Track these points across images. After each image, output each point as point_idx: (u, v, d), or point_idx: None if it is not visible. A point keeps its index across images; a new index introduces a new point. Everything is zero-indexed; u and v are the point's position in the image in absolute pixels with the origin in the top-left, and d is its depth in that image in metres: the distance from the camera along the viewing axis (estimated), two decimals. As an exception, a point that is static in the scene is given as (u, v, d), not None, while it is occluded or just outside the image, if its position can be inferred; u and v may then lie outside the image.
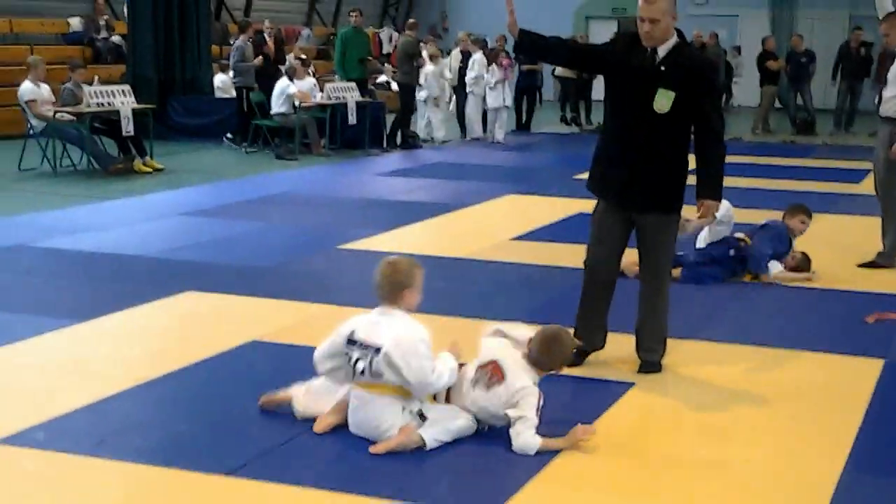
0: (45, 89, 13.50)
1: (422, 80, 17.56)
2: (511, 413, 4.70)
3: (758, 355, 6.13)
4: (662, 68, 5.36)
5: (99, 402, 5.22)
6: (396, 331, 4.66)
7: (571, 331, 5.34)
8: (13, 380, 5.62)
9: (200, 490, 4.28)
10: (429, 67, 17.65)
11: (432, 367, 4.66)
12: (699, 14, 26.25)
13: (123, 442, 4.75)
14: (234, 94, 17.16)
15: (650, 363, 5.71)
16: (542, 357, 4.82)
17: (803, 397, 5.47)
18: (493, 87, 17.97)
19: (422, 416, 4.70)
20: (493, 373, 4.80)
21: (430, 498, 4.18)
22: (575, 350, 5.12)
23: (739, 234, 8.04)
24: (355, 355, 4.73)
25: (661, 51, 5.38)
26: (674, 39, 5.41)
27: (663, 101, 5.31)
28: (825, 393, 5.55)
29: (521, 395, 4.71)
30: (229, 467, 4.43)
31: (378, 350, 4.64)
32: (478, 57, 18.29)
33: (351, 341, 4.76)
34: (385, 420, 4.71)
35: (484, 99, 18.34)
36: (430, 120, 18.18)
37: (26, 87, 13.31)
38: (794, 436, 4.96)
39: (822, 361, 6.06)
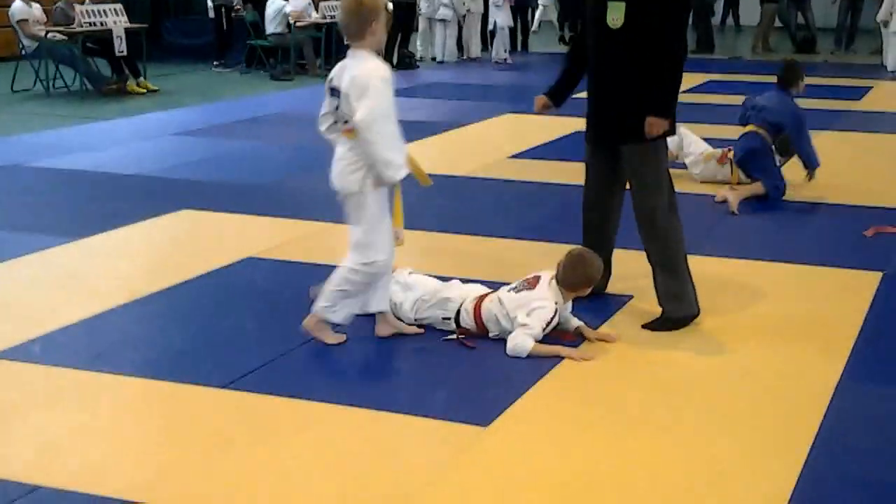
0: (36, 8, 13.34)
1: (445, 0, 17.27)
2: (519, 317, 4.76)
3: (756, 269, 6.11)
4: None
5: (95, 317, 5.21)
6: (355, 70, 4.59)
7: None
8: (9, 295, 5.61)
9: (197, 402, 4.29)
10: None
11: (383, 109, 4.57)
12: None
13: (120, 356, 4.76)
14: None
15: (657, 320, 5.15)
16: (568, 276, 4.86)
17: (801, 309, 5.46)
18: (500, 5, 17.70)
19: None
20: (530, 281, 4.90)
21: (427, 409, 4.18)
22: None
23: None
24: (335, 102, 4.72)
25: None
26: None
27: (615, 13, 4.96)
28: (823, 305, 5.55)
29: (537, 306, 4.77)
30: (225, 380, 4.44)
31: (337, 92, 4.66)
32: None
33: (331, 89, 4.74)
34: (338, 178, 4.73)
35: (484, 18, 18.08)
36: (441, 39, 17.85)
37: (17, 7, 13.15)
38: (791, 346, 4.96)
39: (820, 274, 6.05)
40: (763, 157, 7.78)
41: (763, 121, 7.78)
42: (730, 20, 24.66)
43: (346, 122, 4.68)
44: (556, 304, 4.85)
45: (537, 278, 4.92)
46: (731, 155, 8.03)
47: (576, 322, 5.01)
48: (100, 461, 3.79)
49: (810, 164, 7.80)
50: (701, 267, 5.44)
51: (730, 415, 4.25)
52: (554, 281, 4.89)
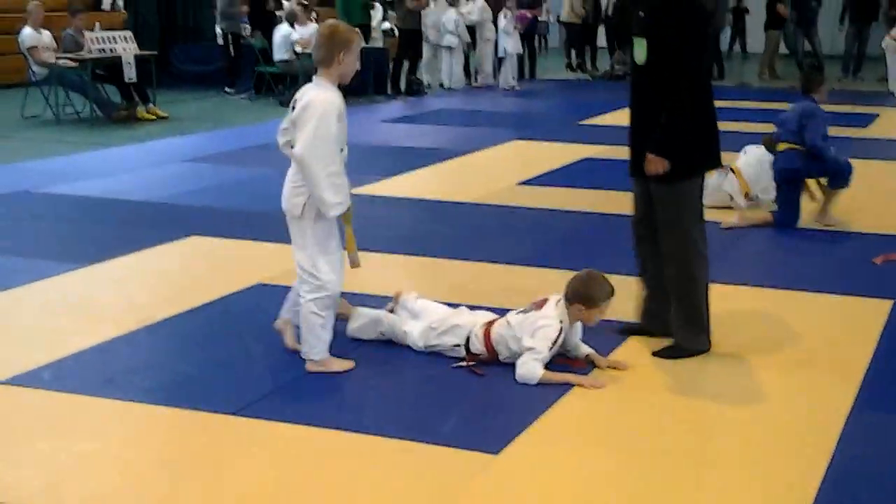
0: (46, 35, 13.39)
1: (451, 27, 17.34)
2: (525, 342, 4.76)
3: (765, 297, 6.10)
4: (641, 14, 5.03)
5: (105, 343, 5.22)
6: (309, 97, 4.65)
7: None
8: (20, 322, 5.62)
9: (207, 429, 4.28)
10: (451, 14, 17.42)
11: (323, 145, 4.60)
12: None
13: (130, 382, 4.75)
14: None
15: (667, 348, 5.13)
16: (580, 289, 4.85)
17: (811, 338, 5.44)
18: (510, 32, 17.76)
19: None
20: (538, 303, 4.91)
21: (437, 436, 4.17)
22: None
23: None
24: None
25: None
26: None
27: (638, 50, 4.96)
28: (833, 334, 5.53)
29: (542, 325, 4.78)
30: (236, 406, 4.43)
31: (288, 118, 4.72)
32: (479, 3, 18.08)
33: (293, 108, 4.77)
34: (286, 200, 4.84)
35: (495, 45, 18.15)
36: (447, 66, 17.91)
37: (27, 34, 13.21)
38: (803, 374, 4.94)
39: (830, 303, 6.03)
40: (793, 185, 7.74)
41: (787, 132, 7.74)
42: (736, 47, 24.72)
43: (293, 146, 4.73)
44: (561, 323, 4.83)
45: (545, 300, 4.93)
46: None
47: (586, 349, 5.00)
48: (109, 488, 3.78)
49: (822, 155, 7.66)
50: (711, 293, 5.43)
51: (742, 443, 4.23)
52: (562, 301, 4.89)
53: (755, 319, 5.72)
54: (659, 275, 5.21)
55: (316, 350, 4.87)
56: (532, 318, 4.84)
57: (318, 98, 4.65)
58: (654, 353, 5.10)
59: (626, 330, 5.36)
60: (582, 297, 4.86)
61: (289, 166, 4.86)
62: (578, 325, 4.99)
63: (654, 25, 4.91)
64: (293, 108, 4.74)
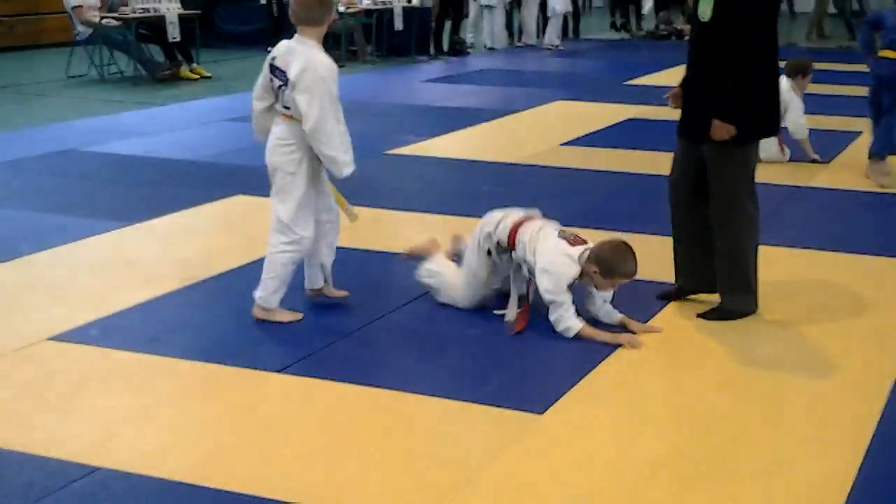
0: None
1: None
2: (546, 297, 4.78)
3: (816, 259, 6.05)
4: None
5: (151, 301, 5.26)
6: (305, 60, 4.67)
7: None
8: (67, 279, 5.67)
9: (252, 386, 4.31)
10: None
11: (329, 109, 4.68)
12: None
13: (175, 339, 4.80)
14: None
15: (713, 310, 5.11)
16: (605, 255, 4.78)
17: (861, 301, 5.39)
18: None
19: None
20: (576, 239, 4.88)
21: (481, 396, 4.18)
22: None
23: None
24: (277, 82, 4.80)
25: None
26: None
27: (704, 5, 4.83)
28: (878, 296, 5.47)
29: (559, 263, 4.76)
30: (280, 364, 4.46)
31: (286, 79, 4.72)
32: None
33: (272, 67, 4.79)
34: (273, 155, 4.85)
35: (541, 4, 18.00)
36: (489, 26, 17.81)
37: None
38: (849, 339, 4.89)
39: (882, 265, 5.96)
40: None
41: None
42: (784, 7, 24.36)
43: (286, 107, 4.78)
44: (578, 270, 4.78)
45: (581, 241, 4.87)
46: None
47: (619, 315, 4.97)
48: (157, 443, 3.83)
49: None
50: (760, 256, 5.39)
51: (786, 407, 4.21)
52: (587, 254, 4.81)
53: (804, 282, 5.67)
54: (695, 232, 5.14)
55: (273, 299, 4.94)
56: (555, 248, 4.81)
57: (317, 61, 4.70)
58: (700, 315, 5.07)
59: (664, 295, 5.31)
60: (603, 263, 4.77)
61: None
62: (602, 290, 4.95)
63: None
64: (276, 69, 4.75)
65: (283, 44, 4.85)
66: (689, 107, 5.06)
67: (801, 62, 8.47)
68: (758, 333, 4.94)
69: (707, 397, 4.25)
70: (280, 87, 4.79)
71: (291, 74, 4.69)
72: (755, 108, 4.90)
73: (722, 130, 4.82)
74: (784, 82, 8.13)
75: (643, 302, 5.20)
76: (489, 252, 5.05)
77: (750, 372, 4.53)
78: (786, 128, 8.14)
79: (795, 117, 8.27)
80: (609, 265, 4.78)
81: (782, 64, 5.40)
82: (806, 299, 5.40)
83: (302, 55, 4.71)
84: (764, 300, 5.13)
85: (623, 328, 4.91)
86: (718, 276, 5.10)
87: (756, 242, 5.10)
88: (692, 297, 5.28)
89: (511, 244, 4.96)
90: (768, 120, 5.07)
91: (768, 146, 7.97)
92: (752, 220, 5.06)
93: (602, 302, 4.98)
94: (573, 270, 4.79)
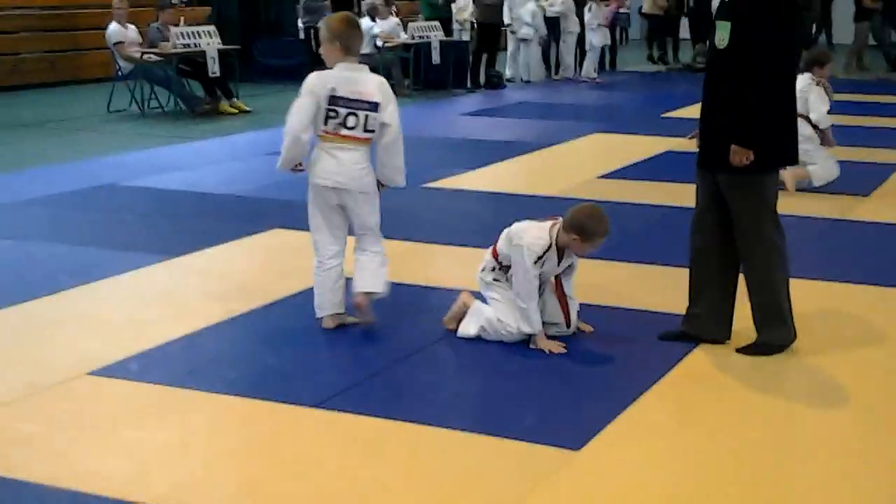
0: (132, 31, 13.62)
1: (528, 18, 17.28)
2: (514, 241, 5.07)
3: (845, 292, 5.99)
4: None
5: (189, 335, 5.29)
6: (376, 79, 5.16)
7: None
8: (107, 313, 5.72)
9: (288, 420, 4.32)
10: (529, 5, 17.37)
11: None
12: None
13: (213, 373, 4.82)
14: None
15: (752, 345, 5.02)
16: (580, 220, 4.96)
17: (889, 336, 5.34)
18: (594, 27, 17.70)
19: None
20: (543, 221, 5.12)
21: (516, 431, 4.16)
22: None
23: None
24: (343, 112, 5.09)
25: None
26: None
27: (721, 32, 4.78)
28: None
29: (533, 235, 5.02)
30: (316, 399, 4.46)
31: (374, 105, 5.08)
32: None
33: (335, 98, 5.06)
34: (360, 179, 5.20)
35: (580, 37, 18.06)
36: (524, 59, 17.87)
37: (113, 30, 13.45)
38: (887, 372, 4.84)
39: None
40: None
41: None
42: (822, 38, 24.24)
43: (370, 130, 5.12)
44: (551, 240, 4.98)
45: (552, 218, 5.09)
46: None
47: (575, 305, 5.22)
48: (190, 478, 3.83)
49: None
50: (798, 288, 5.34)
51: (825, 442, 4.16)
52: (559, 226, 5.01)
53: (835, 315, 5.61)
54: (719, 279, 5.06)
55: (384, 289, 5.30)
56: (526, 225, 5.07)
57: (378, 77, 5.19)
58: (738, 350, 5.02)
59: (665, 336, 5.17)
60: (580, 228, 4.95)
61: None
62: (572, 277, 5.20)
63: (740, 5, 4.78)
64: (341, 98, 5.06)
65: (332, 74, 5.12)
66: (705, 135, 5.02)
67: (813, 54, 8.60)
68: (796, 368, 4.89)
69: (749, 436, 4.20)
70: (349, 114, 5.09)
71: (377, 97, 5.07)
72: (772, 135, 4.83)
73: (739, 156, 4.76)
74: (800, 79, 8.12)
75: (676, 346, 5.15)
76: (495, 280, 5.22)
77: (786, 407, 4.49)
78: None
79: (817, 106, 8.34)
80: (588, 230, 4.95)
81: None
82: (843, 333, 5.35)
83: (368, 77, 5.12)
84: (802, 333, 5.08)
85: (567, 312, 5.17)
86: (753, 310, 5.04)
87: (786, 272, 5.02)
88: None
89: (495, 255, 5.19)
90: (786, 148, 4.99)
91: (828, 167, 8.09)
92: (779, 249, 4.97)
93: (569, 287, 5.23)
94: (543, 241, 4.97)
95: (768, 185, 4.97)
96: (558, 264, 5.07)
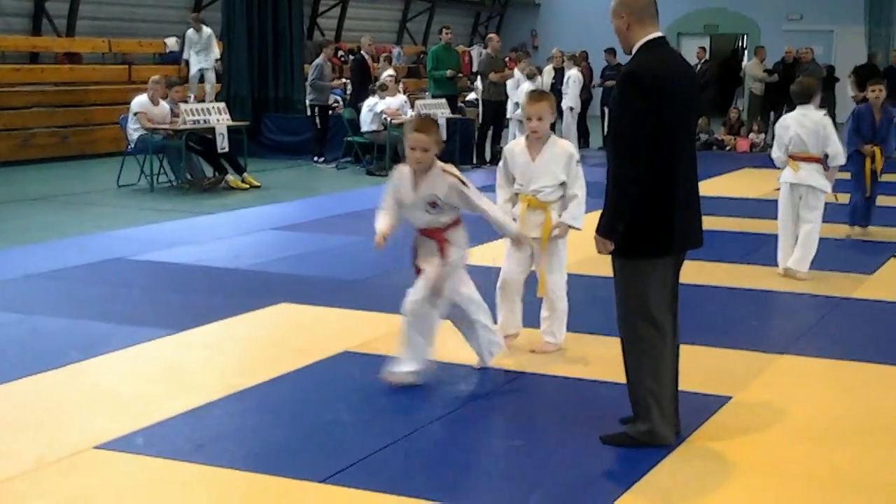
0: (162, 107, 13.67)
1: (518, 98, 17.51)
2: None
3: (858, 371, 5.99)
4: None
5: (195, 410, 5.30)
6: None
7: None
8: (113, 388, 5.73)
9: (295, 497, 4.31)
10: (525, 85, 17.62)
11: None
12: (793, 30, 25.90)
13: (220, 448, 4.82)
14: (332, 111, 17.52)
15: (618, 434, 4.85)
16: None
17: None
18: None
19: None
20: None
21: (524, 508, 4.16)
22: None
23: None
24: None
25: None
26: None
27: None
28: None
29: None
30: (324, 475, 4.46)
31: None
32: (573, 73, 18.28)
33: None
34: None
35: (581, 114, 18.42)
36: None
37: (139, 100, 13.53)
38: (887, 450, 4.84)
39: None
40: None
41: None
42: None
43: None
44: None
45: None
46: None
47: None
48: (199, 554, 3.83)
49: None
50: (799, 366, 5.37)
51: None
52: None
53: (846, 395, 5.61)
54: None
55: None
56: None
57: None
58: (601, 438, 4.83)
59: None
60: None
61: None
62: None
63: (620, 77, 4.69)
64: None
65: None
66: None
67: (800, 85, 8.62)
68: (801, 447, 4.88)
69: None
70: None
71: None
72: (644, 221, 4.59)
73: (597, 244, 4.65)
74: (811, 118, 8.38)
75: (690, 416, 5.14)
76: None
77: (791, 485, 4.47)
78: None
79: (834, 141, 8.46)
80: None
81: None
82: (845, 412, 5.34)
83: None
84: (804, 411, 5.08)
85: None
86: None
87: (657, 368, 4.71)
88: (738, 404, 5.25)
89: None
90: (669, 235, 4.67)
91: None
92: (649, 343, 4.70)
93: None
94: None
95: (643, 275, 4.67)
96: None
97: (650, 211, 4.59)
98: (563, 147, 6.30)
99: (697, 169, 4.85)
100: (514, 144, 6.42)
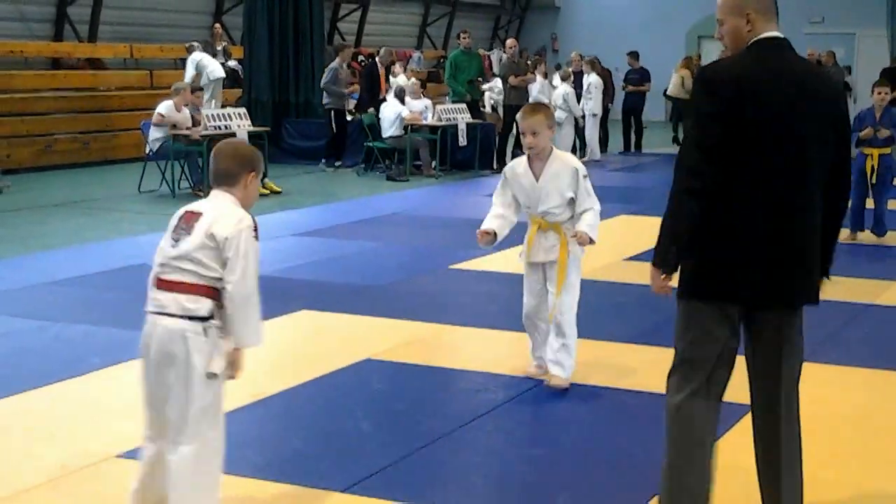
0: (184, 113, 13.73)
1: (559, 102, 17.48)
2: None
3: (881, 379, 5.95)
4: None
5: (217, 418, 5.29)
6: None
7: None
8: (130, 396, 5.72)
9: (316, 505, 4.31)
10: (562, 87, 17.64)
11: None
12: (815, 32, 25.76)
13: (241, 456, 4.81)
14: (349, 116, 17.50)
15: None
16: None
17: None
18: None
19: None
20: None
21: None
22: None
23: None
24: None
25: None
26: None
27: None
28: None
29: None
30: (345, 484, 4.46)
31: None
32: (593, 79, 18.28)
33: None
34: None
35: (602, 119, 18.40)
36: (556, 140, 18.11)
37: (164, 105, 13.60)
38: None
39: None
40: None
41: None
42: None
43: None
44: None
45: None
46: None
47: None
48: (221, 563, 3.83)
49: None
50: (819, 374, 5.33)
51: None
52: None
53: (868, 402, 5.58)
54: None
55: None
56: None
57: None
58: None
59: None
60: None
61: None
62: None
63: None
64: None
65: None
66: None
67: None
68: (818, 457, 4.85)
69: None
70: None
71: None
72: (699, 259, 3.80)
73: (650, 277, 3.90)
74: None
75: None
76: None
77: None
78: None
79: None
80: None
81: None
82: (867, 420, 5.30)
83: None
84: (826, 422, 5.04)
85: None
86: None
87: (678, 455, 3.90)
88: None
89: None
90: (716, 276, 3.79)
91: None
92: (678, 410, 3.91)
93: None
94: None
95: (689, 322, 3.92)
96: None
97: (717, 244, 3.72)
98: (567, 161, 5.93)
99: (810, 207, 3.79)
100: (516, 164, 5.92)
